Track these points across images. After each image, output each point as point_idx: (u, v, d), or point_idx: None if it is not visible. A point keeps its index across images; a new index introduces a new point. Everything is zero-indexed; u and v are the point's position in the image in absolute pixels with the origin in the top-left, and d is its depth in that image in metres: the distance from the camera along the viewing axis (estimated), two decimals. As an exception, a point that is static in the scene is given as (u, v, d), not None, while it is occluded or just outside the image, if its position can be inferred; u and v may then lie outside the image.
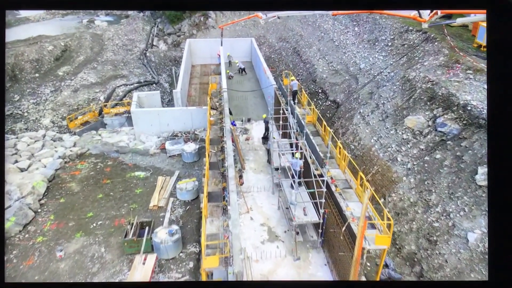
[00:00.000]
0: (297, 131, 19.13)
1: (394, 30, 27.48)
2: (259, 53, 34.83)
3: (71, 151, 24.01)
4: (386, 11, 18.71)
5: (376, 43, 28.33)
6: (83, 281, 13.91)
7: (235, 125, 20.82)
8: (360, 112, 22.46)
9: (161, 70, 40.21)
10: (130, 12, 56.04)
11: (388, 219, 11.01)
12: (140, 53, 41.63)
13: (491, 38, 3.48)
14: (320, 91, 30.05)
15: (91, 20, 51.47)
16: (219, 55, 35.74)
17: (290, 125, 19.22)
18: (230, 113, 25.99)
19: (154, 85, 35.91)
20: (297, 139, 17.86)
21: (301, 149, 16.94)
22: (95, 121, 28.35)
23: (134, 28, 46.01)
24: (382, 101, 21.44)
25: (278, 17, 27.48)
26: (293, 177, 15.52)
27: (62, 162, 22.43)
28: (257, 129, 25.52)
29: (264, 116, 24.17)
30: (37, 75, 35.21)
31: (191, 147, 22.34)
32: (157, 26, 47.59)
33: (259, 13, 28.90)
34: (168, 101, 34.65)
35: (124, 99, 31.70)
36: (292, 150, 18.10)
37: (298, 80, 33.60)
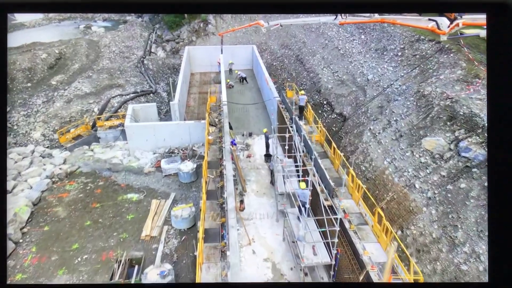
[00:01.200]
0: (303, 152, 17.38)
1: (404, 39, 25.73)
2: (261, 61, 33.10)
3: (60, 169, 22.27)
4: (400, 22, 17.00)
5: (385, 53, 26.58)
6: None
7: (235, 144, 19.05)
8: (370, 128, 20.68)
9: (159, 79, 38.50)
10: (128, 17, 54.46)
11: (416, 272, 9.21)
12: (137, 60, 39.92)
13: (490, 41, 3.39)
14: (325, 102, 28.29)
15: (87, 26, 49.83)
16: (219, 63, 34.05)
17: (295, 145, 17.46)
18: (230, 127, 24.28)
19: (151, 95, 34.18)
20: (304, 163, 16.10)
21: (308, 175, 15.18)
22: (87, 135, 26.61)
23: (131, 34, 44.32)
24: (394, 118, 19.67)
25: (281, 25, 25.82)
26: (300, 209, 13.76)
27: (49, 183, 20.67)
28: (259, 145, 23.76)
29: (265, 130, 22.45)
30: (29, 84, 33.52)
31: (188, 166, 20.58)
32: (156, 32, 45.92)
33: (261, 21, 27.22)
34: (166, 112, 32.92)
35: (119, 110, 29.96)
36: (298, 174, 16.35)
37: (301, 91, 31.87)
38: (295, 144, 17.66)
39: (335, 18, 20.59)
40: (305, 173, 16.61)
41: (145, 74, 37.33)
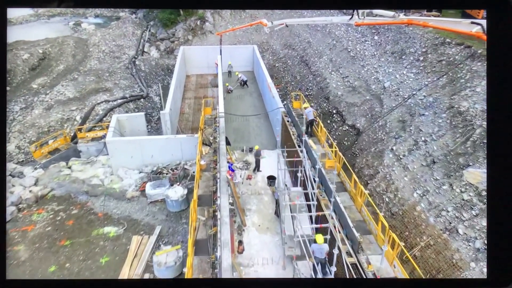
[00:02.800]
0: (315, 183, 14.00)
1: (426, 42, 22.24)
2: (262, 64, 29.58)
3: (30, 191, 18.92)
4: (434, 25, 13.52)
5: (403, 57, 23.09)
6: None
7: (233, 170, 15.66)
8: (392, 149, 17.27)
9: (151, 81, 34.95)
10: (121, 14, 50.77)
11: None
12: (128, 61, 36.34)
13: (491, 37, 3.39)
14: (334, 111, 24.84)
15: (77, 23, 46.18)
16: (217, 65, 30.59)
17: (305, 173, 14.11)
18: (228, 143, 20.86)
19: (142, 100, 30.68)
20: (318, 200, 12.74)
21: (323, 221, 11.84)
22: (66, 149, 23.15)
23: (123, 32, 40.68)
24: (422, 137, 16.26)
25: (286, 25, 22.31)
26: (315, 268, 10.43)
27: (14, 211, 17.31)
28: (261, 163, 20.38)
29: (257, 147, 19.15)
30: (8, 88, 29.93)
31: (177, 192, 17.19)
32: (149, 30, 42.27)
33: (264, 20, 23.70)
34: (157, 119, 29.45)
35: (104, 119, 26.49)
36: (309, 213, 13.02)
37: (306, 96, 28.44)
38: (305, 171, 14.31)
39: (351, 18, 17.09)
40: (318, 208, 13.31)
41: (136, 76, 33.79)
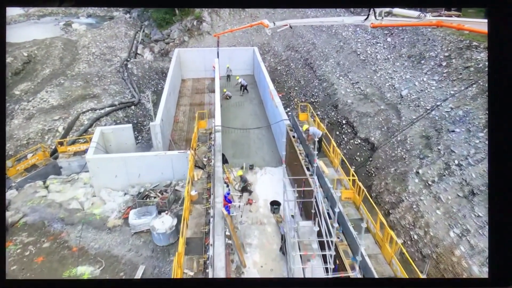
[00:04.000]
0: (331, 219, 11.38)
1: (449, 45, 19.58)
2: (264, 68, 26.91)
3: (-2, 218, 16.20)
4: (472, 28, 10.88)
5: (422, 61, 20.44)
6: None
7: (230, 201, 13.03)
8: (418, 172, 14.62)
9: (144, 86, 32.29)
10: (115, 13, 48.10)
11: None
12: (120, 64, 33.67)
13: (492, 35, 3.37)
14: (344, 122, 22.18)
15: (68, 23, 43.47)
16: (215, 68, 27.96)
17: (317, 206, 11.51)
18: (225, 160, 18.23)
19: (133, 106, 28.04)
20: (331, 241, 10.11)
21: (342, 267, 9.23)
22: (45, 165, 20.54)
23: (115, 33, 37.98)
24: (455, 160, 13.62)
25: (290, 27, 19.63)
26: None
27: (-25, 245, 14.63)
28: (263, 184, 17.77)
29: (240, 173, 16.53)
30: (-14, 94, 27.25)
31: (165, 223, 14.56)
32: (143, 31, 39.58)
33: (265, 21, 21.00)
34: (149, 129, 26.73)
35: (90, 130, 23.86)
36: (322, 252, 10.42)
37: (312, 104, 25.77)
38: (317, 204, 11.70)
39: (366, 19, 14.46)
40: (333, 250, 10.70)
41: (127, 81, 31.14)
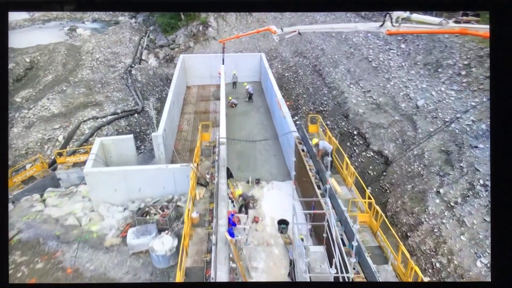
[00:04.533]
0: (345, 246, 10.36)
1: (468, 52, 18.46)
2: (271, 75, 25.96)
3: (-9, 235, 15.38)
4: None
5: (439, 69, 19.33)
6: None
7: (234, 224, 12.04)
8: (438, 192, 13.49)
9: (148, 93, 31.54)
10: (120, 18, 47.65)
11: None
12: (124, 70, 33.00)
13: (494, 40, 3.37)
14: (355, 132, 21.10)
15: (72, 28, 43.02)
16: (221, 75, 27.12)
17: (329, 228, 10.49)
18: (230, 174, 17.27)
19: (136, 115, 27.26)
20: (347, 277, 9.05)
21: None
22: (42, 176, 19.76)
23: (119, 38, 37.38)
24: (480, 180, 12.48)
25: (299, 33, 18.66)
26: None
27: (-36, 265, 13.80)
28: (270, 199, 16.76)
29: (239, 192, 15.39)
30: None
31: (165, 244, 13.61)
32: (148, 36, 38.94)
33: (272, 27, 20.09)
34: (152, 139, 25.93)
35: (91, 139, 23.09)
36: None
37: (321, 113, 24.74)
38: (329, 227, 10.68)
39: (381, 25, 13.45)
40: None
41: (131, 88, 30.41)
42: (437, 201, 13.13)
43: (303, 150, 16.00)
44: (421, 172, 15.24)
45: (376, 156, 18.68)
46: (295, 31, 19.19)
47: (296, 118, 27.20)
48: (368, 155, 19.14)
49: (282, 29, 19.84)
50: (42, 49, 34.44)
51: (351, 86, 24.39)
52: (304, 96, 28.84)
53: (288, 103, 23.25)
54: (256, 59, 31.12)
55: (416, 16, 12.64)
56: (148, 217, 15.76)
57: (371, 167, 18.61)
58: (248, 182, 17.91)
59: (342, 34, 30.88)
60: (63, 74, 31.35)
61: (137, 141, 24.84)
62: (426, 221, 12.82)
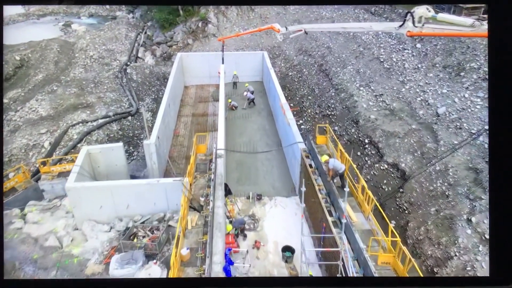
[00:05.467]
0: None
1: (495, 53, 16.28)
2: (274, 76, 23.93)
3: (-39, 258, 13.57)
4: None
5: (462, 73, 17.25)
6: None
7: (231, 263, 10.13)
8: (470, 220, 11.50)
9: (144, 93, 29.57)
10: (118, 13, 45.51)
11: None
12: (119, 68, 31.00)
13: (493, 33, 3.36)
14: (366, 141, 19.10)
15: (67, 24, 40.94)
16: (220, 74, 25.18)
17: (344, 268, 8.63)
18: (228, 191, 15.37)
19: (129, 117, 25.32)
20: None
21: None
22: (24, 188, 17.87)
23: (115, 35, 35.30)
24: (521, 208, 10.46)
25: (306, 32, 16.62)
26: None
27: None
28: (273, 219, 14.88)
29: (234, 217, 13.48)
30: (-29, 103, 24.80)
31: (153, 276, 11.71)
32: (145, 32, 36.84)
33: (276, 25, 18.03)
34: (147, 143, 23.99)
35: (79, 145, 21.20)
36: None
37: (328, 117, 22.74)
38: (344, 267, 8.81)
39: (401, 26, 11.40)
40: None
41: (125, 88, 28.44)
42: (469, 231, 11.16)
43: (310, 166, 14.04)
44: (446, 193, 13.26)
45: (391, 169, 16.69)
46: (301, 31, 17.12)
47: (301, 121, 25.24)
48: (381, 167, 17.14)
49: (286, 28, 17.80)
50: (34, 46, 32.44)
51: (361, 89, 22.33)
52: (309, 97, 26.80)
53: (293, 108, 21.22)
54: (258, 58, 29.05)
55: (443, 16, 10.46)
56: (135, 240, 13.87)
57: (385, 181, 16.63)
58: (248, 198, 16.03)
59: (350, 32, 28.73)
60: (55, 72, 29.39)
61: (130, 147, 22.97)
62: (456, 255, 10.86)
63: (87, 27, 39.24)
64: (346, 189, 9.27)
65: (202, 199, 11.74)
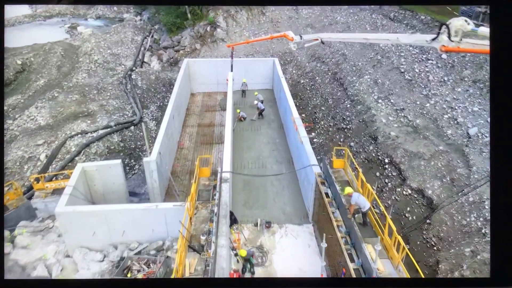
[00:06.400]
0: None
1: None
2: (285, 86, 22.32)
3: None
4: None
5: (497, 89, 15.35)
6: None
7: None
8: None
9: (149, 100, 28.20)
10: (125, 15, 44.35)
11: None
12: (124, 74, 29.71)
13: (494, 33, 3.40)
14: (386, 160, 17.34)
15: (73, 26, 39.84)
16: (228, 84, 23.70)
17: None
18: (234, 220, 13.79)
19: (132, 127, 23.94)
20: None
21: None
22: (15, 206, 16.57)
23: (121, 39, 34.03)
24: None
25: (322, 42, 15.03)
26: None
27: None
28: (283, 252, 13.28)
29: (243, 253, 11.84)
30: (-31, 110, 23.69)
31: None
32: (152, 36, 35.51)
33: (290, 33, 16.45)
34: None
35: (77, 158, 19.87)
36: None
37: (343, 131, 21.05)
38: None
39: (434, 39, 9.71)
40: None
41: (129, 95, 27.11)
42: (517, 285, 9.41)
43: (327, 195, 12.37)
44: (483, 230, 11.49)
45: (415, 196, 14.93)
46: (317, 40, 15.52)
47: (313, 134, 23.57)
48: (404, 192, 15.39)
49: (301, 36, 16.20)
50: (38, 49, 31.34)
51: (380, 102, 20.57)
52: (323, 108, 25.10)
53: (306, 124, 19.56)
54: (269, 65, 27.43)
55: (484, 30, 8.70)
56: (129, 274, 12.38)
57: (409, 208, 14.88)
58: (256, 225, 14.43)
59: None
60: (57, 78, 28.20)
61: (131, 160, 21.58)
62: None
63: (93, 30, 38.06)
64: (364, 210, 7.58)
65: (203, 237, 10.17)
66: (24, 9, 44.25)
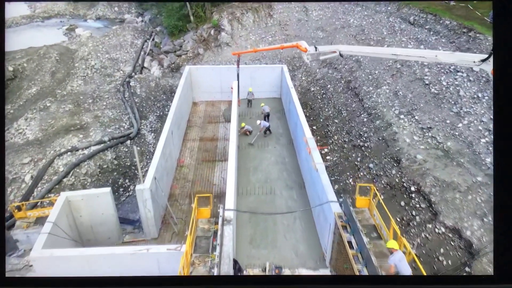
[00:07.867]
0: None
1: None
2: (295, 98, 20.06)
3: None
4: None
5: (546, 110, 12.96)
6: None
7: None
8: None
9: (148, 109, 26.09)
10: (126, 15, 42.20)
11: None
12: (122, 80, 27.62)
13: (497, 30, 3.25)
14: (413, 189, 15.04)
15: (71, 28, 37.77)
16: (233, 89, 21.56)
17: None
18: (238, 268, 11.62)
19: (129, 141, 21.87)
20: None
21: None
22: (-7, 240, 14.50)
23: (120, 42, 31.89)
24: None
25: (341, 55, 12.82)
26: None
27: None
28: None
29: None
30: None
31: None
32: (153, 39, 33.34)
33: (303, 43, 14.16)
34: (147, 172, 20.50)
35: (66, 179, 17.82)
36: None
37: (361, 149, 18.77)
38: None
39: (485, 60, 7.63)
40: None
41: (127, 104, 25.01)
42: None
43: (350, 245, 10.14)
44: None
45: (450, 235, 12.66)
46: (335, 52, 13.32)
47: (325, 150, 21.30)
48: (437, 229, 13.13)
49: (316, 48, 14.01)
50: (32, 53, 29.34)
51: (402, 117, 18.24)
52: (336, 121, 22.79)
53: (320, 147, 17.30)
54: (276, 73, 25.15)
55: None
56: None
57: (442, 250, 12.63)
58: (264, 270, 12.28)
59: (384, 42, 24.58)
60: (50, 85, 26.19)
61: (126, 180, 19.50)
62: None
63: (92, 32, 35.96)
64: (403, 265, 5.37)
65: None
66: (22, 10, 42.32)
